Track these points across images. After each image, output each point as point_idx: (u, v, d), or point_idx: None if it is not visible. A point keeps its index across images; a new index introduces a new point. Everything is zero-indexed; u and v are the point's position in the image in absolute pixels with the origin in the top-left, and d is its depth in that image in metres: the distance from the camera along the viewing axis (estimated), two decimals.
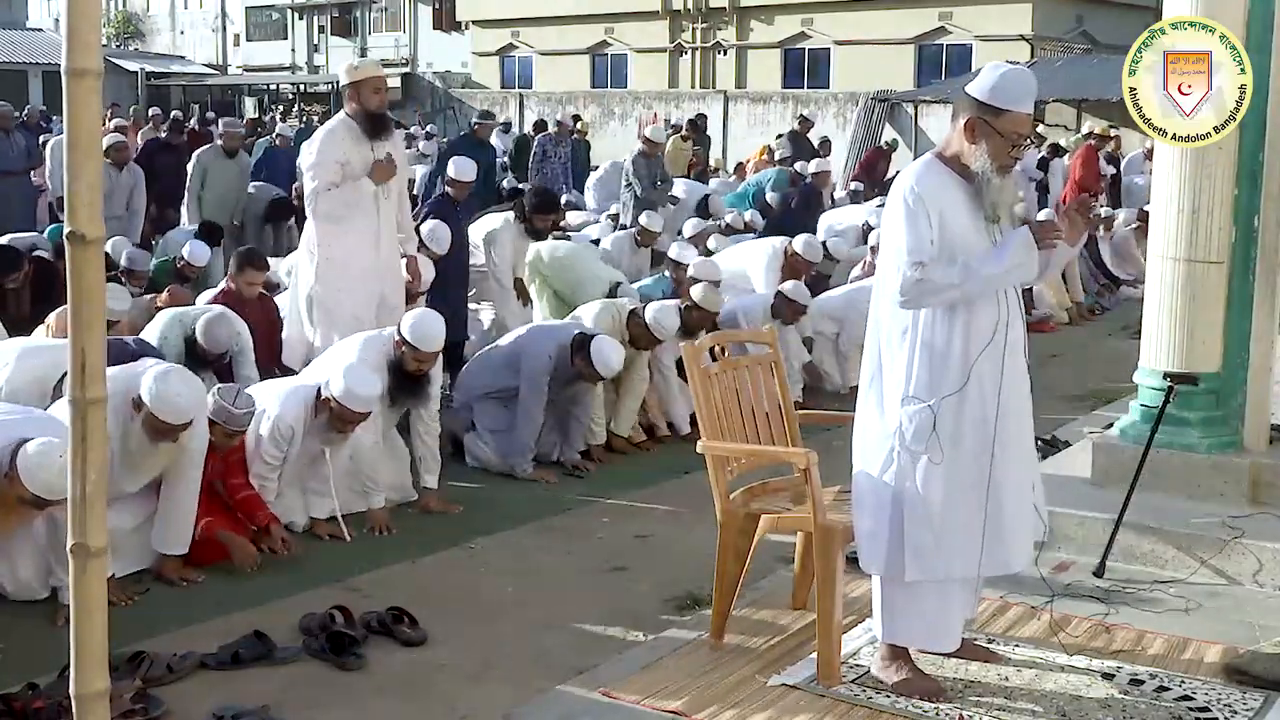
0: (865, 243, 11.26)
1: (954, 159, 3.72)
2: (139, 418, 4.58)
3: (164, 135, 13.62)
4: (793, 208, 12.08)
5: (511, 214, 8.14)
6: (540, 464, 6.44)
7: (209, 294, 7.38)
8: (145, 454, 4.68)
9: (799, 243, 8.94)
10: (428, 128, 22.45)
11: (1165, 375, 5.24)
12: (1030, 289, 7.43)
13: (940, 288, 3.59)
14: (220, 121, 13.16)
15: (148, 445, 4.63)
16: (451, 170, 7.98)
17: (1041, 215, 11.29)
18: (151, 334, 6.35)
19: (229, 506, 5.13)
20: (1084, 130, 15.97)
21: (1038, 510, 3.84)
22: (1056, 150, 15.51)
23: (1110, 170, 14.91)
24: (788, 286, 7.88)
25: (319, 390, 5.27)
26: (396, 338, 5.60)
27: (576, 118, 18.10)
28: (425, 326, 5.59)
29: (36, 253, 8.53)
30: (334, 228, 6.16)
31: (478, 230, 8.20)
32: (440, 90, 38.71)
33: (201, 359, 6.18)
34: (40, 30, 47.15)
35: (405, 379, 5.59)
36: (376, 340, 5.70)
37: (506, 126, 22.00)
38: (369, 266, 6.22)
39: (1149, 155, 15.32)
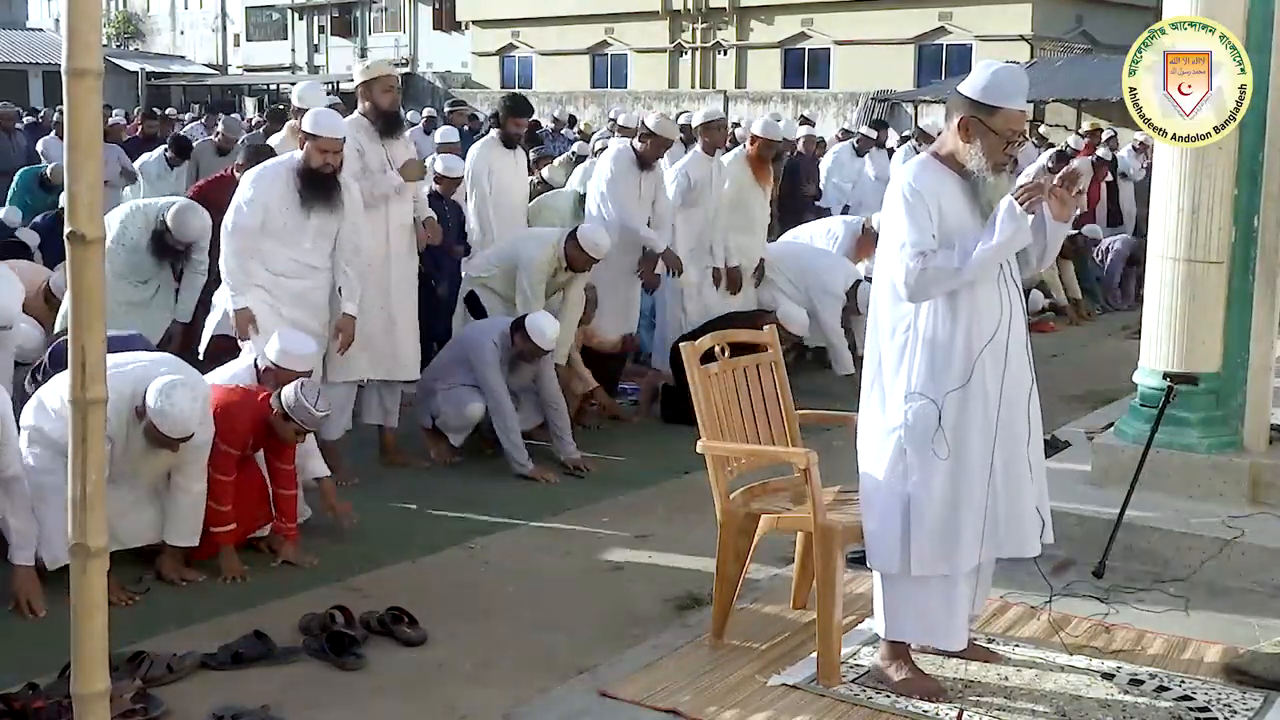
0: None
1: (949, 158, 3.73)
2: (141, 424, 4.59)
3: (140, 131, 13.66)
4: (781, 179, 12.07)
5: (493, 131, 8.25)
6: (539, 462, 6.46)
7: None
8: (145, 454, 4.69)
9: (759, 125, 8.63)
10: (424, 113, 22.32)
11: (1165, 375, 5.24)
12: (1026, 291, 7.39)
13: (942, 275, 3.59)
14: (221, 122, 13.25)
15: (147, 447, 4.64)
16: (439, 167, 8.01)
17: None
18: (111, 228, 6.35)
19: (242, 492, 5.08)
20: (1082, 129, 15.80)
21: (1039, 511, 3.85)
22: (1061, 156, 15.12)
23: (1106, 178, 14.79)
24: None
25: (256, 365, 5.28)
26: (300, 135, 5.72)
27: (573, 119, 18.18)
28: (325, 118, 5.71)
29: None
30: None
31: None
32: (440, 90, 38.71)
33: (167, 249, 6.40)
34: (40, 30, 47.21)
35: (314, 180, 5.68)
36: (275, 164, 5.87)
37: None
38: (379, 258, 6.23)
39: (1138, 148, 15.13)
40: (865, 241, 9.01)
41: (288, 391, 4.89)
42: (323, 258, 5.86)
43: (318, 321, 5.89)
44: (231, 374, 5.37)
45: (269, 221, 5.69)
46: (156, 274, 6.75)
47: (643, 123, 7.79)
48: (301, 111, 6.95)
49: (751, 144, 8.38)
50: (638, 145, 7.53)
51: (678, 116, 17.16)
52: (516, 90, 36.10)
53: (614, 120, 16.99)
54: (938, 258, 3.60)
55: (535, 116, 14.07)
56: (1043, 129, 16.90)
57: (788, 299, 8.29)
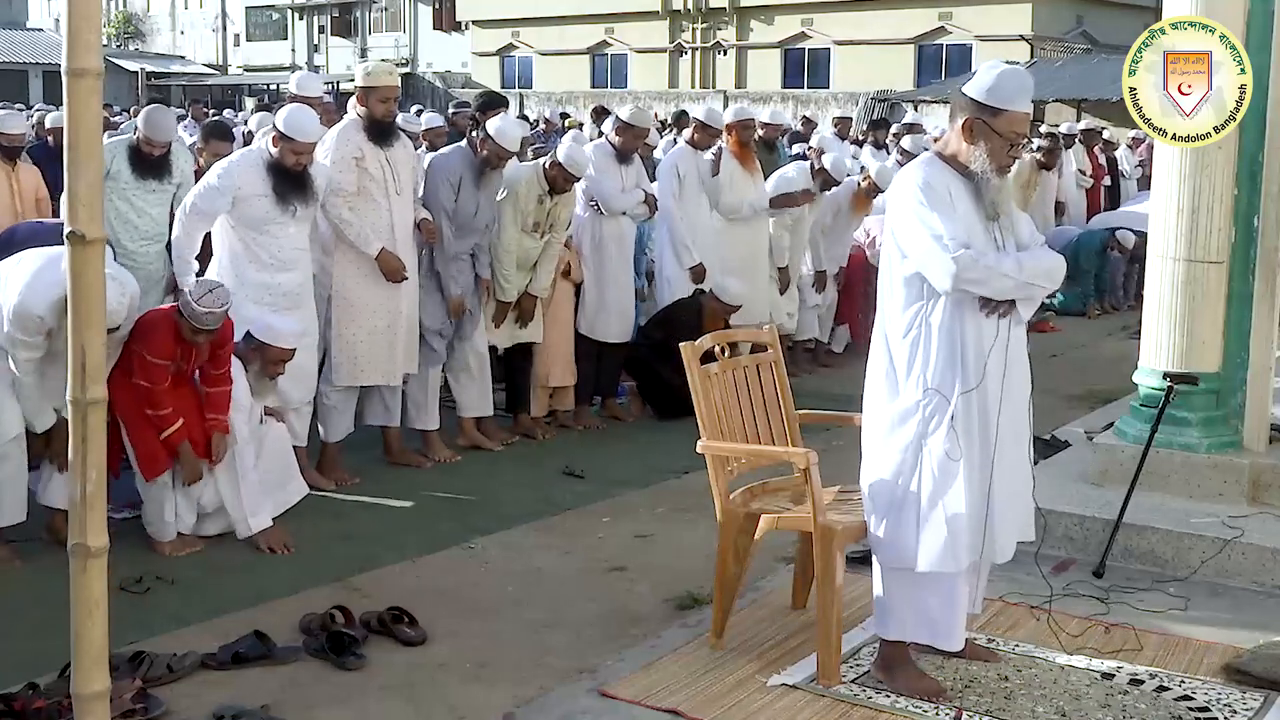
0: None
1: (953, 158, 3.73)
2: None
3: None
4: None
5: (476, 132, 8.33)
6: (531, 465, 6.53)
7: None
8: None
9: (730, 113, 8.56)
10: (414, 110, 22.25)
11: (1165, 375, 5.25)
12: None
13: (993, 275, 3.60)
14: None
15: None
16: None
17: None
18: None
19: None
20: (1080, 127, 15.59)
21: (1037, 506, 3.86)
22: (1055, 141, 14.55)
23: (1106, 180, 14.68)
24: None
25: (241, 344, 5.36)
26: (273, 134, 5.80)
27: (565, 115, 18.14)
28: (299, 119, 5.78)
29: None
30: (349, 222, 6.15)
31: None
32: (440, 90, 38.72)
33: (148, 164, 6.51)
34: (40, 30, 47.22)
35: (287, 177, 5.75)
36: (248, 155, 5.93)
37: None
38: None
39: (1133, 146, 14.87)
40: (862, 196, 8.96)
41: (185, 293, 5.05)
42: (305, 240, 5.91)
43: (312, 324, 5.92)
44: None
45: (247, 212, 5.71)
46: (151, 218, 6.77)
47: (617, 116, 7.77)
48: (297, 99, 6.97)
49: (729, 134, 8.36)
50: (615, 139, 7.54)
51: (676, 114, 17.10)
52: (517, 90, 36.23)
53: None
54: (989, 258, 3.60)
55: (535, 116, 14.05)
56: (1044, 129, 16.72)
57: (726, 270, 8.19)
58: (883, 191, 8.92)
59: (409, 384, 6.64)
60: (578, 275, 7.38)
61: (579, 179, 6.99)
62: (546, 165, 6.89)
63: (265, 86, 45.33)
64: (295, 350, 5.42)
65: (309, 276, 5.95)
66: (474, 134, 6.71)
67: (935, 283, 3.63)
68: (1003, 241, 3.74)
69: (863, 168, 9.19)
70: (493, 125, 6.59)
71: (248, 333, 5.31)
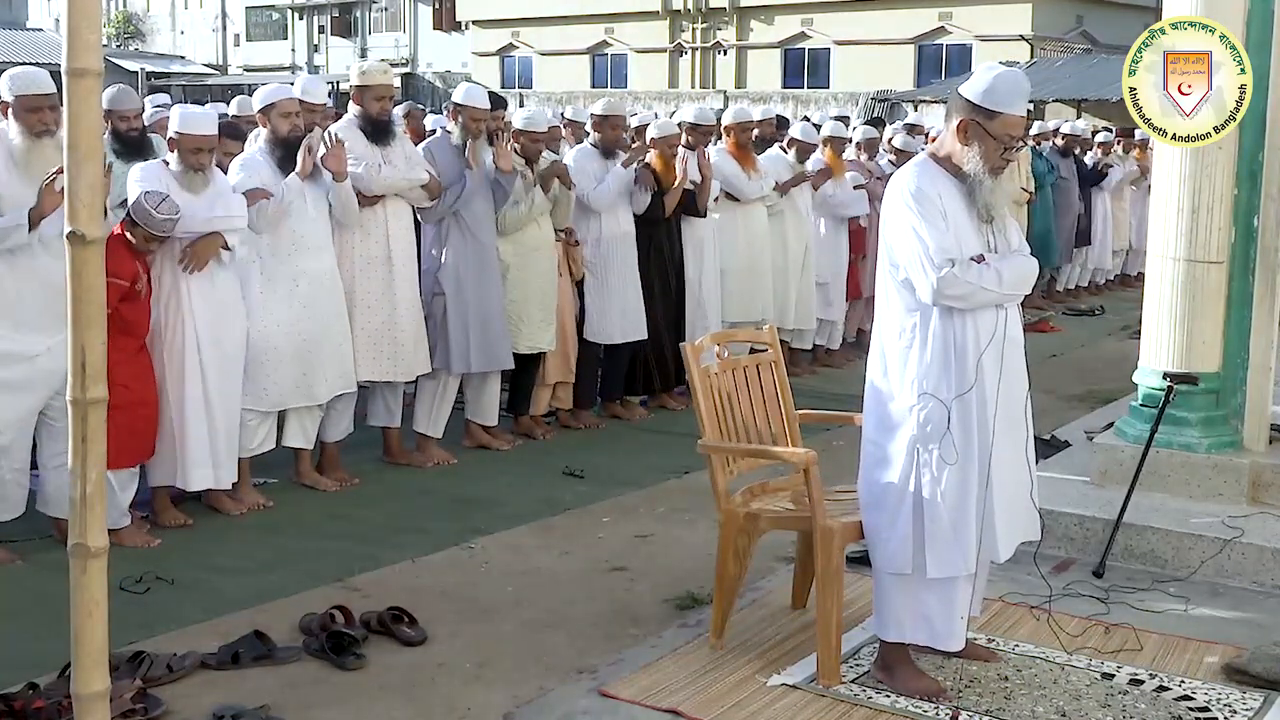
0: None
1: (947, 159, 3.73)
2: (9, 113, 4.79)
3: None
4: None
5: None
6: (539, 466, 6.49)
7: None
8: (31, 150, 4.80)
9: (729, 115, 8.65)
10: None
11: (1165, 375, 5.25)
12: None
13: (975, 292, 3.62)
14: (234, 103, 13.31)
15: (31, 141, 4.80)
16: None
17: None
18: None
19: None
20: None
21: (1035, 505, 3.86)
22: (1068, 140, 13.27)
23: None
24: None
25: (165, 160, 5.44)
26: (258, 114, 5.87)
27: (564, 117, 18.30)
28: (274, 90, 5.87)
29: None
30: (359, 175, 6.14)
31: None
32: (440, 90, 38.73)
33: (128, 142, 6.54)
34: (40, 30, 47.18)
35: (289, 148, 5.78)
36: (251, 152, 6.01)
37: None
38: (381, 259, 6.22)
39: (1106, 150, 14.24)
40: (830, 154, 8.96)
41: (135, 199, 5.08)
42: (326, 228, 5.91)
43: (335, 319, 5.93)
44: (143, 171, 5.42)
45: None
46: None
47: (592, 113, 7.76)
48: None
49: (728, 135, 8.37)
50: (594, 136, 7.53)
51: (672, 114, 17.07)
52: (517, 90, 36.22)
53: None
54: (971, 273, 3.61)
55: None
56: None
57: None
58: (813, 150, 8.90)
59: (421, 386, 6.63)
60: (578, 270, 7.36)
61: (544, 133, 7.07)
62: (515, 139, 6.96)
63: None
64: (214, 138, 5.41)
65: (334, 265, 5.96)
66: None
67: (920, 295, 3.67)
68: (995, 244, 3.75)
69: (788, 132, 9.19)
70: (457, 91, 6.82)
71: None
